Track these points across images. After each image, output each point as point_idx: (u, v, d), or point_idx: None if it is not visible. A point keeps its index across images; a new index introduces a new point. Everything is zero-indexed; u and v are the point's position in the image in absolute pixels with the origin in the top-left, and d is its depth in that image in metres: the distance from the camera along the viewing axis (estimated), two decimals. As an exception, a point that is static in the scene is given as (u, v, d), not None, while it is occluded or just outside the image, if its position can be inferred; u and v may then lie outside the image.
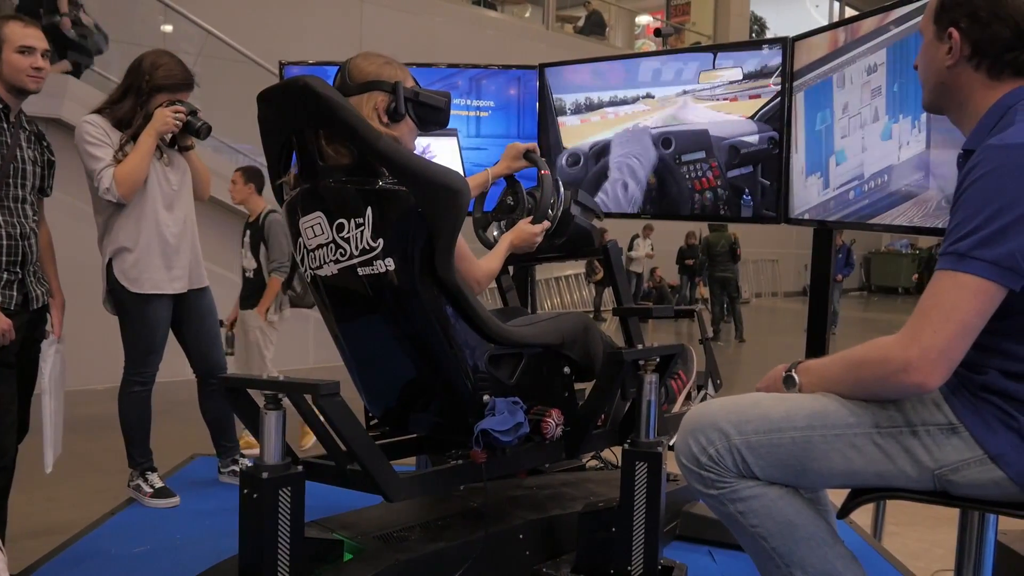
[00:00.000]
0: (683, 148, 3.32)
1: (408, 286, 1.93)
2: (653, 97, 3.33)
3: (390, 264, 1.91)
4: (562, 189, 2.37)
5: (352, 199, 1.92)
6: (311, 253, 2.03)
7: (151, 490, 3.07)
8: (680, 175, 3.33)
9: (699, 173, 3.28)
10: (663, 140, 3.34)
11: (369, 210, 1.90)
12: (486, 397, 2.03)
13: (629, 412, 2.31)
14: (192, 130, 3.06)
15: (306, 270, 2.08)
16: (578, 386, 2.33)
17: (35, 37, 2.57)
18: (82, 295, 3.64)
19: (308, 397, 1.84)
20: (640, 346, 2.24)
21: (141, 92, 2.98)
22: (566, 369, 2.22)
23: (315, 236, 2.00)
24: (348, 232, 1.93)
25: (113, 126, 2.98)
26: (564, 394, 2.21)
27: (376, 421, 2.36)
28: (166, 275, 3.07)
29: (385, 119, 1.98)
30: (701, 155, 3.26)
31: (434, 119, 2.08)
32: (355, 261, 1.94)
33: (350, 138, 1.89)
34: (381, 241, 1.90)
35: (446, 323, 1.97)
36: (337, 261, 1.97)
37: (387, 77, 2.00)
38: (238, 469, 3.25)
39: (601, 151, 3.46)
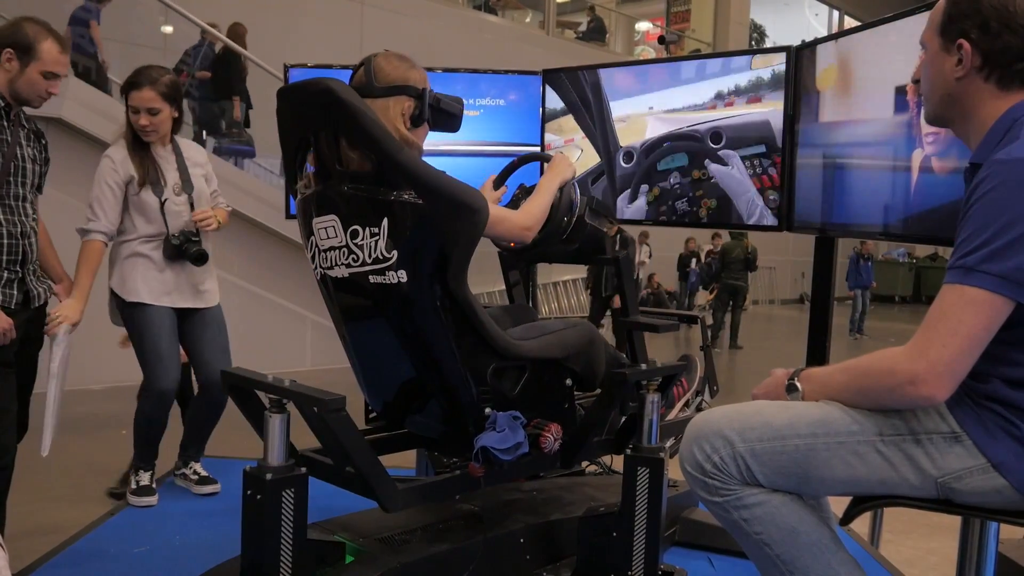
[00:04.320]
0: (736, 143, 3.03)
1: (419, 299, 1.93)
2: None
3: (403, 276, 1.90)
4: (578, 195, 2.37)
5: (368, 208, 1.91)
6: (323, 253, 2.03)
7: (134, 487, 3.07)
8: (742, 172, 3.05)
9: (760, 169, 3.00)
10: (712, 134, 3.08)
11: (385, 221, 1.89)
12: (488, 410, 2.02)
13: (626, 423, 2.31)
14: (188, 257, 3.02)
15: (316, 268, 2.08)
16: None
17: (65, 64, 2.58)
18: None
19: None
20: (643, 366, 2.23)
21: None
22: (568, 381, 2.21)
23: (328, 238, 2.00)
24: (362, 240, 1.93)
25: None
26: (564, 405, 2.21)
27: (375, 415, 2.37)
28: (155, 288, 3.02)
29: (409, 124, 2.00)
30: (761, 149, 3.00)
31: (448, 125, 2.10)
32: (367, 269, 1.94)
33: (370, 147, 1.88)
34: (395, 253, 1.90)
35: (454, 337, 1.96)
36: (349, 266, 1.97)
37: (414, 82, 2.02)
38: (188, 474, 3.21)
39: (651, 148, 3.25)
